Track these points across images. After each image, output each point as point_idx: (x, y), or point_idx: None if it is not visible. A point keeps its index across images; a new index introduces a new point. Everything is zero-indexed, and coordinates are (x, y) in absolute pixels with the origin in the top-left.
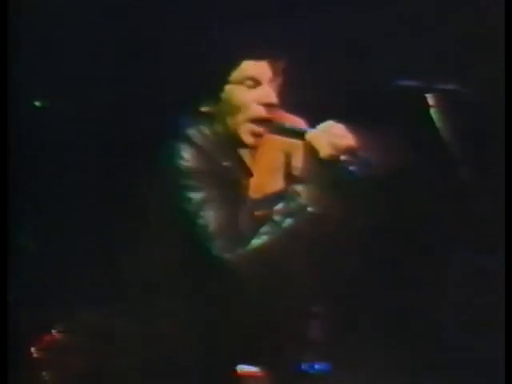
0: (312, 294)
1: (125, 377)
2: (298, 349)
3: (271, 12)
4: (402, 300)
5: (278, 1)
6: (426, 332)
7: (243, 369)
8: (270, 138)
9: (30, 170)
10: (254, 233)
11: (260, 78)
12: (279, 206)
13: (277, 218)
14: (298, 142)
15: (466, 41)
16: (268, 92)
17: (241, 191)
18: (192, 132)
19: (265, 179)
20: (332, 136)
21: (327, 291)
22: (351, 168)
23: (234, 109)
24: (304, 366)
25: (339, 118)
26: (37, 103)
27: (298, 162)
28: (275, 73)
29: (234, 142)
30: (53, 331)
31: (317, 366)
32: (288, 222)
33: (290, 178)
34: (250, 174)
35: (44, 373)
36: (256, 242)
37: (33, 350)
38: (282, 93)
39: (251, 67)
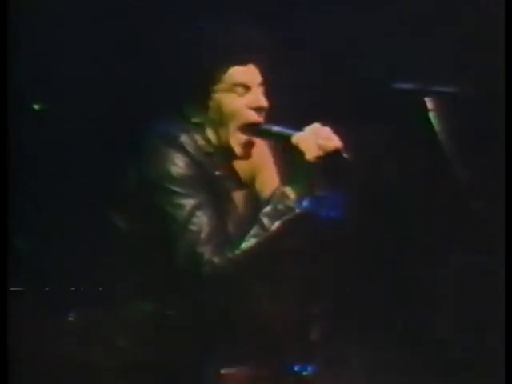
0: (302, 295)
1: (118, 376)
2: (289, 350)
3: (260, 14)
4: (399, 300)
5: (268, 3)
6: (425, 333)
7: (227, 370)
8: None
9: (30, 170)
10: (243, 236)
11: (249, 84)
12: (267, 209)
13: (265, 220)
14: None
15: (465, 41)
16: (258, 96)
17: (231, 197)
18: (185, 140)
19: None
20: (319, 138)
21: (317, 292)
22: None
23: (226, 117)
24: (297, 368)
25: (327, 120)
26: (36, 103)
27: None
28: (264, 76)
29: (225, 152)
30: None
31: (309, 368)
32: (276, 224)
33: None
34: (241, 184)
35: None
36: (245, 245)
37: (33, 349)
38: (271, 96)
39: (240, 73)
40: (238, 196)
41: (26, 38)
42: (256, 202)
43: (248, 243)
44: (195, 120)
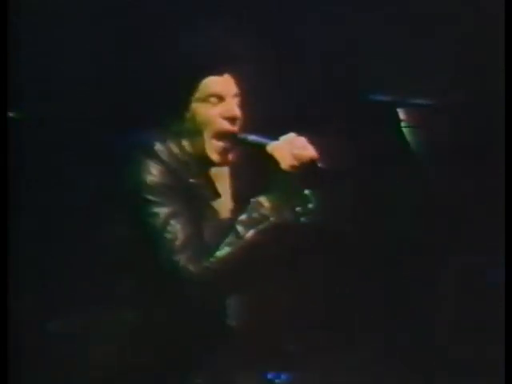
0: (277, 303)
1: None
2: (263, 358)
3: (236, 24)
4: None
5: (243, 14)
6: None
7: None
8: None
9: (31, 170)
10: (218, 244)
11: (223, 94)
12: (242, 217)
13: (240, 228)
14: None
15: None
16: (231, 106)
17: (206, 205)
18: (160, 149)
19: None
20: (294, 148)
21: (294, 301)
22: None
23: (200, 125)
24: (270, 376)
25: (303, 130)
26: (36, 103)
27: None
28: (238, 87)
29: (201, 160)
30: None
31: (283, 376)
32: (251, 232)
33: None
34: (216, 193)
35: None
36: (219, 253)
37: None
38: (245, 106)
39: (214, 84)
40: (214, 204)
41: (26, 37)
42: (231, 211)
43: (223, 251)
44: (171, 129)
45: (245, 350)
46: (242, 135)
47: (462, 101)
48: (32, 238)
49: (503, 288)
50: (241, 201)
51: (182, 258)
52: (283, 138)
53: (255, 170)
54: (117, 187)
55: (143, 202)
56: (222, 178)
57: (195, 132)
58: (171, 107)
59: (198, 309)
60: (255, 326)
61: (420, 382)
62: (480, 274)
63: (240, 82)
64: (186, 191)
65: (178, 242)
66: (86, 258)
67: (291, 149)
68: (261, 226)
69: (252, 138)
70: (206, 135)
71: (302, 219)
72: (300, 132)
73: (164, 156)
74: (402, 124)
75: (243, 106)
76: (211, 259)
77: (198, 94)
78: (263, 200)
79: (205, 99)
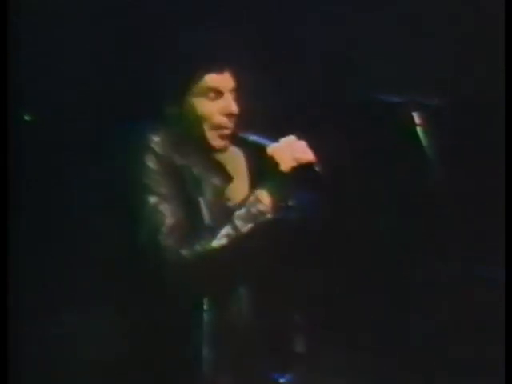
0: (274, 300)
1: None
2: (264, 358)
3: (237, 20)
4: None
5: (245, 10)
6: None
7: None
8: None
9: (31, 170)
10: (214, 234)
11: (222, 89)
12: (240, 212)
13: (238, 222)
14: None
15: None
16: (229, 102)
17: (201, 191)
18: (155, 136)
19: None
20: (294, 151)
21: (291, 298)
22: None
23: (198, 119)
24: (275, 375)
25: (302, 131)
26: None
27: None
28: (238, 82)
29: (200, 144)
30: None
31: (287, 377)
32: (248, 226)
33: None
34: (227, 176)
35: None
36: (216, 243)
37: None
38: (244, 104)
39: (213, 79)
40: (210, 190)
41: (26, 37)
42: (229, 203)
43: (219, 241)
44: (168, 121)
45: (244, 348)
46: (243, 135)
47: (462, 101)
48: (32, 237)
49: (503, 288)
50: (237, 199)
51: (171, 240)
52: (284, 141)
53: (254, 168)
54: (114, 179)
55: (135, 186)
56: (234, 162)
57: (193, 123)
58: (169, 101)
59: (185, 298)
60: (252, 321)
61: (420, 382)
62: (480, 273)
63: (239, 79)
64: (178, 176)
65: (167, 223)
66: (86, 258)
67: (291, 152)
68: (259, 221)
69: (253, 138)
70: (205, 126)
71: (299, 218)
72: (299, 133)
73: (158, 145)
74: (405, 124)
75: (241, 102)
76: (206, 247)
77: (197, 88)
78: (262, 196)
79: (204, 93)
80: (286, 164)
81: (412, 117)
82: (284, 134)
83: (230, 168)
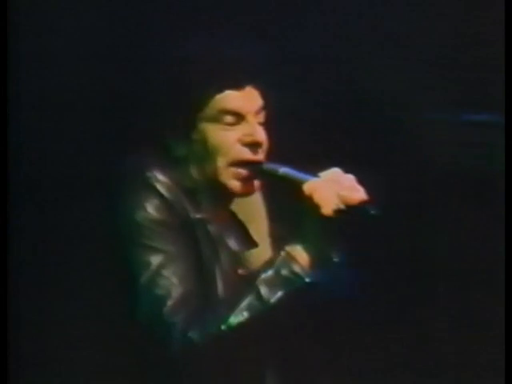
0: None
1: None
2: None
3: (259, 27)
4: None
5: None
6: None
7: None
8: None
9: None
10: (232, 308)
11: (242, 111)
12: (267, 275)
13: (263, 290)
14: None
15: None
16: (253, 128)
17: (215, 251)
18: (158, 177)
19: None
20: (340, 188)
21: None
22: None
23: (212, 151)
24: None
25: (346, 164)
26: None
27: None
28: (262, 103)
29: (213, 189)
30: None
31: None
32: (277, 295)
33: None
34: (242, 233)
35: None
36: (234, 319)
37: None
38: (272, 129)
39: (231, 98)
40: (226, 250)
41: (26, 37)
42: (262, 260)
43: (238, 317)
44: (174, 154)
45: None
46: (271, 166)
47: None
48: (32, 237)
49: (503, 288)
50: (273, 248)
51: (178, 321)
52: (325, 175)
53: (287, 213)
54: (103, 226)
55: (133, 246)
56: (251, 212)
57: (206, 158)
58: (176, 127)
59: None
60: None
61: (420, 382)
62: (480, 273)
63: (265, 97)
64: (186, 230)
65: (171, 300)
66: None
67: (337, 190)
68: (291, 287)
69: (284, 171)
70: (221, 162)
71: (347, 281)
72: (344, 165)
73: (162, 186)
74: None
75: (269, 127)
76: (222, 326)
77: (208, 111)
78: (296, 253)
79: (217, 118)
80: (329, 206)
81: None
82: (324, 166)
83: (244, 215)
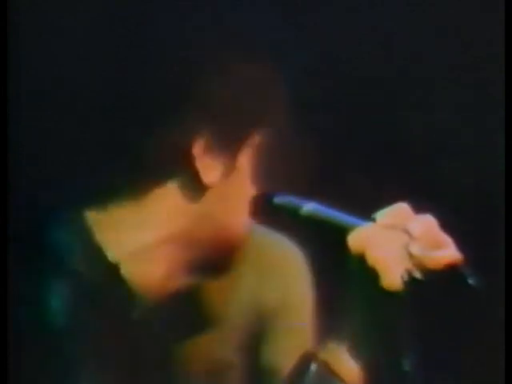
0: None
1: None
2: None
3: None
4: None
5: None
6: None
7: None
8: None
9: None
10: None
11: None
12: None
13: None
14: None
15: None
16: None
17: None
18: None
19: None
20: (410, 241)
21: None
22: None
23: None
24: None
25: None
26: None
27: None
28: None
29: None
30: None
31: None
32: None
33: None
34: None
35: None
36: None
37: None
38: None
39: None
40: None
41: (26, 37)
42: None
43: None
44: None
45: None
46: (284, 200)
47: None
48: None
49: (503, 288)
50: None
51: None
52: (384, 217)
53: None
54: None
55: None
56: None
57: None
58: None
59: None
60: None
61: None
62: (480, 273)
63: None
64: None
65: None
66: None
67: (406, 243)
68: None
69: (307, 209)
70: None
71: None
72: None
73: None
74: None
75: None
76: None
77: None
78: (336, 356)
79: None
80: (393, 273)
81: None
82: (378, 202)
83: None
